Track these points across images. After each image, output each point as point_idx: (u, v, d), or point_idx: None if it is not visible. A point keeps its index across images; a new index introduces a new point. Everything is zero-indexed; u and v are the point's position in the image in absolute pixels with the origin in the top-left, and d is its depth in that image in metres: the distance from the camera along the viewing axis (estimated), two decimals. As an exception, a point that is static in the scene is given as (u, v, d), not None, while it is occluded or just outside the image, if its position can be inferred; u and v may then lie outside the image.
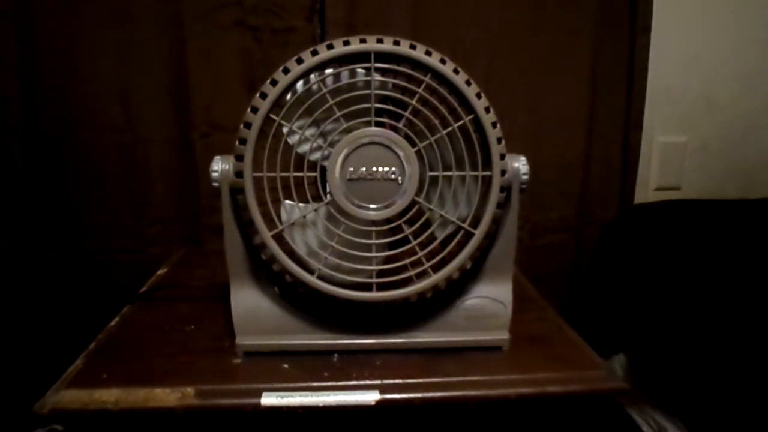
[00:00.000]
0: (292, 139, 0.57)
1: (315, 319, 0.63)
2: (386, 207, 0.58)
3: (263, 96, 0.55)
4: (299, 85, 0.56)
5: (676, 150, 1.29)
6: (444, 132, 0.57)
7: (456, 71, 0.56)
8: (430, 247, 0.60)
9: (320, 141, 0.57)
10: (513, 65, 1.12)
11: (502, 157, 0.58)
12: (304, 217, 0.59)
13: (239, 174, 0.57)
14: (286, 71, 0.55)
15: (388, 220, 0.59)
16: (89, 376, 0.59)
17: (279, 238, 0.58)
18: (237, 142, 0.56)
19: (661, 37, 1.19)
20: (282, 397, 0.56)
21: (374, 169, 0.57)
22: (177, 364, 0.62)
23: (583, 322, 0.91)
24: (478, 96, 0.57)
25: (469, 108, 0.57)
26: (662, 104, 1.24)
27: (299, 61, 0.55)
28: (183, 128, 1.07)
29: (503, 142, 0.58)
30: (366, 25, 1.06)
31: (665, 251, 1.07)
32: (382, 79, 0.57)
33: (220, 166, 0.58)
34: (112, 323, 0.72)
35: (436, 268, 0.60)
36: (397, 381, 0.59)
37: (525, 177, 0.60)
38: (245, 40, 1.05)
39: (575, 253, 1.24)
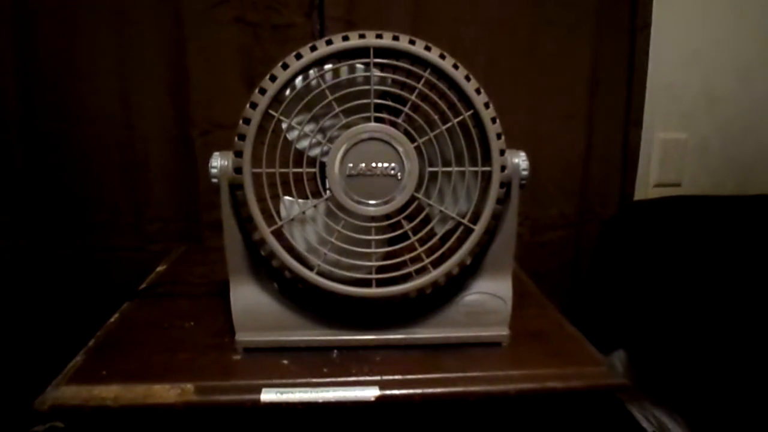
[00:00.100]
0: (292, 135, 0.57)
1: (314, 315, 0.63)
2: (386, 203, 0.58)
3: (262, 92, 0.55)
4: (298, 80, 0.56)
5: (676, 146, 1.29)
6: (443, 127, 0.57)
7: (455, 66, 0.56)
8: (429, 243, 0.60)
9: (319, 137, 0.57)
10: (513, 62, 1.12)
11: (502, 152, 0.58)
12: (304, 213, 0.59)
13: (238, 170, 0.57)
14: (285, 67, 0.55)
15: (388, 216, 0.59)
16: (89, 373, 0.59)
17: (278, 234, 0.58)
18: (236, 138, 0.56)
19: (661, 33, 1.18)
20: (281, 393, 0.56)
21: (373, 164, 0.57)
22: (176, 360, 0.62)
23: (583, 319, 0.91)
24: (478, 91, 0.57)
25: (468, 103, 0.57)
26: (662, 101, 1.24)
27: (298, 56, 0.55)
28: (182, 125, 1.06)
29: (503, 137, 0.58)
30: (365, 22, 1.05)
31: (665, 247, 1.06)
32: (382, 74, 0.57)
33: (219, 162, 0.58)
34: (112, 320, 0.72)
35: (436, 263, 0.60)
36: (396, 377, 0.59)
37: (525, 173, 0.60)
38: (244, 37, 1.04)
39: (575, 250, 1.24)
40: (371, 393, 0.57)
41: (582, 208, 1.22)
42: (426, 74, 0.56)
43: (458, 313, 0.64)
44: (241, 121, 0.56)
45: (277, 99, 0.56)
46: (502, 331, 0.65)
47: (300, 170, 0.57)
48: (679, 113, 1.27)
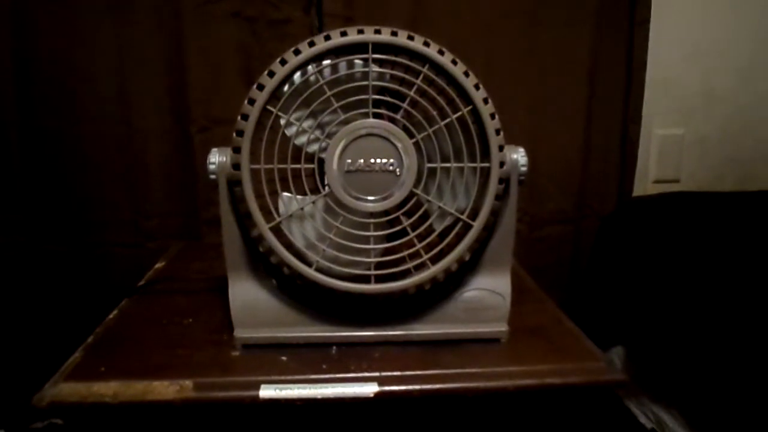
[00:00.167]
0: (290, 131, 0.57)
1: (313, 312, 0.63)
2: (384, 199, 0.58)
3: (260, 87, 0.55)
4: (297, 76, 0.56)
5: (674, 142, 1.29)
6: (442, 123, 0.57)
7: (454, 62, 0.56)
8: (428, 239, 0.59)
9: (318, 132, 0.57)
10: (511, 57, 1.12)
11: (501, 148, 0.58)
12: (302, 209, 0.59)
13: (236, 166, 0.56)
14: (283, 62, 0.55)
15: (386, 212, 0.59)
16: (87, 370, 0.59)
17: (277, 231, 0.58)
18: (234, 134, 0.56)
19: (659, 29, 1.18)
20: (280, 389, 0.56)
21: (372, 160, 0.57)
22: (175, 357, 0.62)
23: (582, 315, 0.91)
24: (477, 87, 0.56)
25: (467, 99, 0.56)
26: (661, 97, 1.24)
27: (296, 52, 0.55)
28: (181, 122, 1.06)
29: (502, 133, 0.58)
30: (363, 18, 1.05)
31: (664, 243, 1.07)
32: (380, 70, 0.56)
33: (217, 158, 0.58)
34: (111, 316, 0.72)
35: (435, 260, 0.60)
36: (395, 373, 0.59)
37: (523, 168, 0.60)
38: (242, 33, 1.04)
39: (574, 246, 1.24)
40: (370, 389, 0.57)
41: (580, 204, 1.22)
42: (425, 70, 0.56)
43: (457, 309, 0.64)
44: (239, 117, 0.56)
45: (276, 95, 0.55)
46: (500, 327, 0.65)
47: (298, 166, 0.57)
48: (678, 109, 1.27)
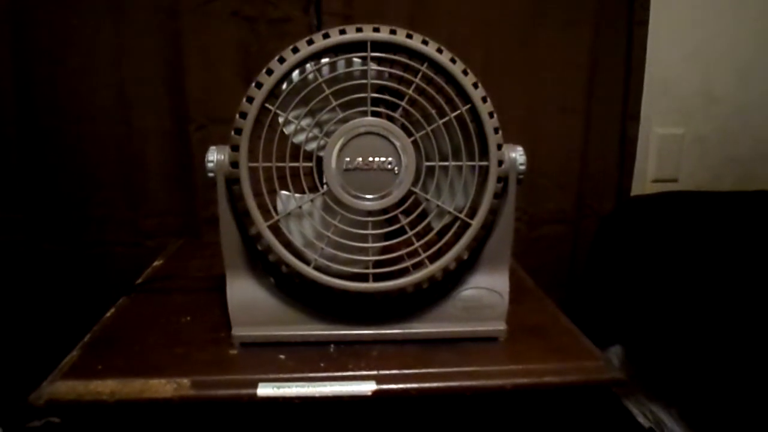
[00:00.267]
0: (288, 129, 0.57)
1: (311, 310, 0.63)
2: (382, 197, 0.58)
3: (259, 86, 0.55)
4: (295, 74, 0.56)
5: (673, 142, 1.29)
6: (441, 122, 0.57)
7: (453, 61, 0.56)
8: (426, 238, 0.59)
9: (316, 131, 0.57)
10: (510, 56, 1.11)
11: (499, 147, 0.58)
12: (300, 207, 0.59)
13: (235, 164, 0.56)
14: (281, 61, 0.55)
15: (385, 211, 0.59)
16: (85, 368, 0.59)
17: (275, 229, 0.58)
18: (232, 132, 0.56)
19: (659, 29, 1.18)
20: (278, 387, 0.56)
21: (370, 159, 0.57)
22: (173, 355, 0.62)
23: (580, 314, 0.91)
24: (475, 86, 0.56)
25: (465, 98, 0.56)
26: (660, 96, 1.24)
27: (295, 50, 0.55)
28: (179, 120, 1.06)
29: (500, 132, 0.58)
30: (362, 16, 1.05)
31: (663, 243, 1.07)
32: (379, 68, 0.56)
33: (215, 156, 0.57)
34: (108, 315, 0.72)
35: (433, 258, 0.60)
36: (393, 371, 0.59)
37: (522, 167, 0.60)
38: (241, 31, 1.04)
39: (572, 245, 1.24)
40: (368, 387, 0.57)
41: (579, 203, 1.22)
42: (423, 68, 0.56)
43: (455, 308, 0.64)
44: (237, 116, 0.56)
45: (274, 93, 0.55)
46: (499, 326, 0.65)
47: (297, 164, 0.57)
48: (677, 109, 1.27)
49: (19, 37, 1.00)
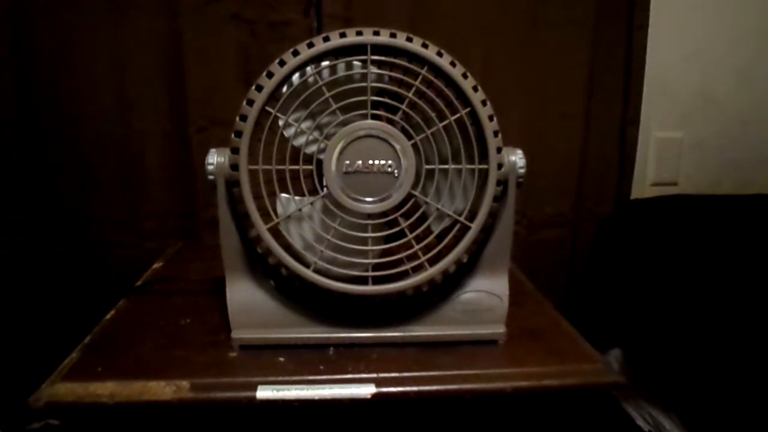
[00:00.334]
0: (288, 132, 0.57)
1: (311, 313, 0.63)
2: (382, 200, 0.58)
3: (259, 88, 0.55)
4: (295, 77, 0.56)
5: (672, 145, 1.29)
6: (440, 125, 0.57)
7: (453, 64, 0.56)
8: (426, 241, 0.59)
9: (316, 134, 0.57)
10: (510, 60, 1.12)
11: (499, 150, 0.58)
12: (300, 210, 0.59)
13: (235, 167, 0.56)
14: (282, 63, 0.55)
15: (384, 214, 0.59)
16: (84, 370, 0.59)
17: (275, 232, 0.58)
18: (233, 135, 0.56)
19: (658, 32, 1.19)
20: (278, 390, 0.56)
21: (370, 162, 0.57)
22: (172, 357, 0.62)
23: (580, 317, 0.91)
24: (475, 89, 0.56)
25: (465, 101, 0.56)
26: (659, 100, 1.24)
27: (295, 53, 0.55)
28: (179, 122, 1.06)
29: (500, 135, 0.58)
30: (363, 19, 1.05)
31: (662, 247, 1.07)
32: (379, 71, 0.56)
33: (215, 159, 0.58)
34: (108, 317, 0.72)
35: (433, 261, 0.60)
36: (392, 374, 0.59)
37: (522, 171, 0.60)
38: (241, 34, 1.04)
39: (572, 248, 1.24)
40: (367, 390, 0.57)
41: (578, 207, 1.22)
42: (423, 72, 0.56)
43: (455, 311, 0.64)
44: (237, 118, 0.56)
45: (274, 96, 0.55)
46: (498, 329, 0.65)
47: (297, 167, 0.57)
48: (676, 112, 1.28)
49: (19, 37, 1.00)
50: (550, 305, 0.76)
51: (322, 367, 0.60)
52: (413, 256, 0.59)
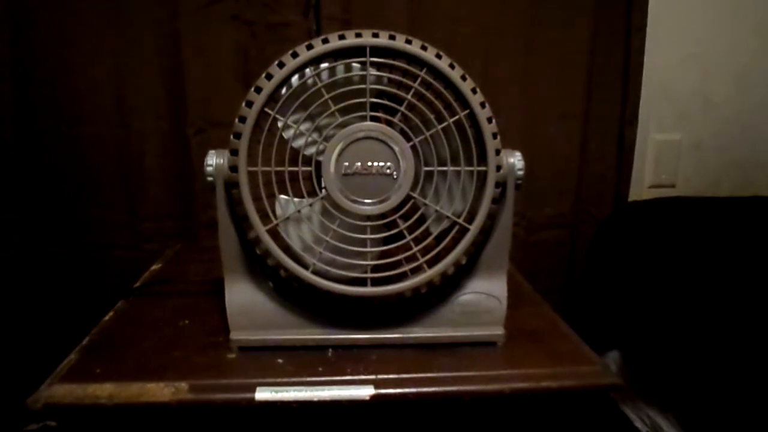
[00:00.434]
0: (287, 134, 0.57)
1: (310, 314, 0.63)
2: (381, 202, 0.58)
3: (258, 90, 0.55)
4: (294, 79, 0.56)
5: (671, 147, 1.29)
6: (439, 127, 0.57)
7: (452, 66, 0.56)
8: (425, 242, 0.59)
9: (315, 135, 0.57)
10: (509, 61, 1.12)
11: (498, 152, 0.58)
12: (299, 211, 0.59)
13: (234, 168, 0.57)
14: (281, 65, 0.55)
15: (383, 215, 0.59)
16: (83, 371, 0.59)
17: (274, 233, 0.58)
18: (232, 137, 0.56)
19: (657, 34, 1.19)
20: (276, 391, 0.56)
21: (369, 163, 0.57)
22: (171, 358, 0.62)
23: (578, 319, 0.92)
24: (474, 91, 0.57)
25: (464, 103, 0.57)
26: (658, 101, 1.24)
27: (294, 55, 0.55)
28: (178, 124, 1.06)
29: (498, 137, 0.58)
30: (362, 21, 1.05)
31: (660, 249, 1.07)
32: (378, 73, 0.57)
33: (214, 160, 0.58)
34: (106, 318, 0.72)
35: (431, 263, 0.60)
36: (391, 376, 0.59)
37: (520, 172, 0.60)
38: (240, 35, 1.04)
39: (570, 250, 1.24)
40: (366, 392, 0.57)
41: (577, 209, 1.22)
42: (422, 74, 0.56)
43: (453, 313, 0.64)
44: (236, 120, 0.56)
45: (273, 97, 0.55)
46: (497, 331, 0.65)
47: (296, 169, 0.57)
48: (675, 114, 1.28)
49: (19, 37, 1.00)
50: (548, 307, 0.77)
51: (320, 369, 0.60)
52: (412, 258, 0.59)
